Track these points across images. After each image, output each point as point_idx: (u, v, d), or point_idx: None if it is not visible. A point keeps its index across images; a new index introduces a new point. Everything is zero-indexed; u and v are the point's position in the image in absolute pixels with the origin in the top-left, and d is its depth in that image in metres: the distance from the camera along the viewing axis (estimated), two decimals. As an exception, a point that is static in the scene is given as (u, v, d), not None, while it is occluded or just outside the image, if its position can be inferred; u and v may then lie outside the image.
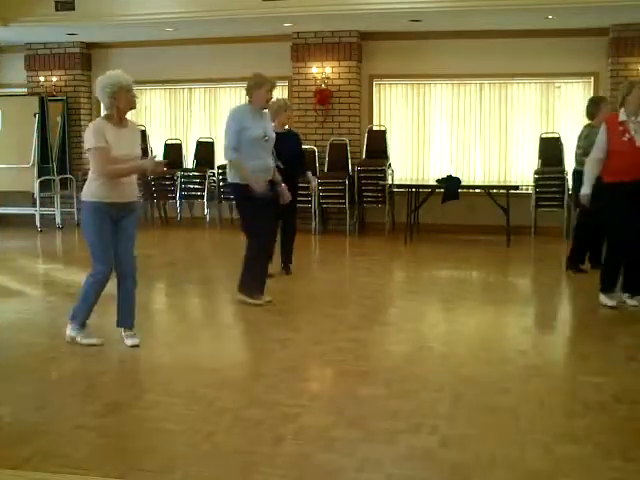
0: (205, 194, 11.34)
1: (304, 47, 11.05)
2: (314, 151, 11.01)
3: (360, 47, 11.07)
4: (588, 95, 10.61)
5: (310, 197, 10.67)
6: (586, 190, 6.20)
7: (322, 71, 11.00)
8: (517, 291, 7.54)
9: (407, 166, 11.42)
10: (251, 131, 6.11)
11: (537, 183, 10.32)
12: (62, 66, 12.04)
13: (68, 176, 11.76)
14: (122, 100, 4.85)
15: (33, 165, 11.29)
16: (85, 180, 5.13)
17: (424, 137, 11.37)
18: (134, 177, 5.09)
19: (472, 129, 11.19)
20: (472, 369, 4.64)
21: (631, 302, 6.23)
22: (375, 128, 11.25)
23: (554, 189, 10.30)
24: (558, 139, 10.60)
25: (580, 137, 7.59)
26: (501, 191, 9.86)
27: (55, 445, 3.43)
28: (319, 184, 10.66)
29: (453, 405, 4.01)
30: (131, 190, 5.03)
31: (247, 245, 6.28)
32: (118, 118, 4.90)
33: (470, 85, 11.13)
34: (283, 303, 6.76)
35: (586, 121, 7.74)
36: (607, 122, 6.17)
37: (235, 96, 11.85)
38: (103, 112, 4.98)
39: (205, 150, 11.67)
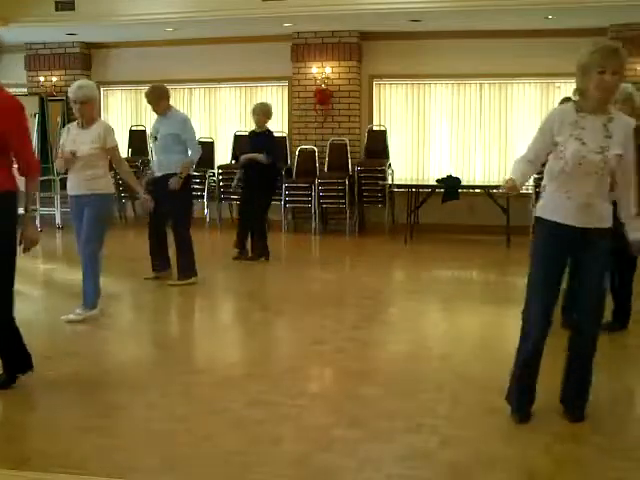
0: (205, 194, 11.33)
1: (304, 47, 11.05)
2: (314, 151, 11.01)
3: (360, 47, 11.06)
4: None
5: (310, 197, 10.71)
6: None
7: (322, 71, 10.99)
8: (517, 291, 7.50)
9: (407, 166, 11.41)
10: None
11: (537, 183, 10.30)
12: (62, 66, 12.04)
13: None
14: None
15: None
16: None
17: (424, 137, 11.36)
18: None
19: (472, 129, 11.18)
20: (472, 369, 4.64)
21: None
22: (375, 128, 11.25)
23: (554, 189, 10.28)
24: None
25: None
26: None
27: (55, 445, 3.43)
28: (319, 184, 10.67)
29: (453, 405, 4.01)
30: None
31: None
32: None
33: (470, 85, 11.12)
34: (283, 303, 6.76)
35: None
36: None
37: (235, 96, 11.85)
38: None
39: (205, 150, 11.60)
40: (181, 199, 7.10)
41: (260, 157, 8.30)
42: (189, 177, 7.32)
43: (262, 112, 8.44)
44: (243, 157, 8.56)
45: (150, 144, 7.41)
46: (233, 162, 11.30)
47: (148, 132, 9.98)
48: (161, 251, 7.36)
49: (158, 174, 7.19)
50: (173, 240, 7.22)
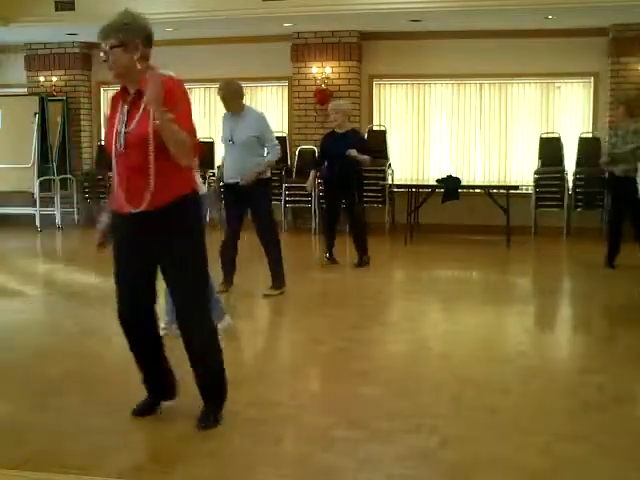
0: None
1: (304, 47, 11.05)
2: (314, 151, 11.01)
3: (360, 47, 11.07)
4: (588, 95, 10.64)
5: (310, 197, 10.72)
6: None
7: (322, 71, 11.00)
8: (517, 291, 7.54)
9: (407, 166, 11.42)
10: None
11: (537, 183, 10.32)
12: (62, 66, 12.03)
13: (68, 176, 11.75)
14: None
15: (33, 165, 11.29)
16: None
17: (424, 137, 11.37)
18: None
19: (472, 129, 11.18)
20: (472, 369, 4.64)
21: None
22: (375, 128, 11.25)
23: (554, 189, 10.30)
24: (558, 139, 10.60)
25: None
26: (501, 191, 9.86)
27: (55, 445, 3.43)
28: (319, 184, 10.67)
29: (453, 405, 4.01)
30: None
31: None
32: None
33: (470, 85, 11.13)
34: (283, 303, 6.76)
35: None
36: None
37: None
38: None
39: (205, 150, 11.64)
40: (265, 202, 6.72)
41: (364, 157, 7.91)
42: (269, 180, 6.76)
43: (341, 112, 8.01)
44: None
45: (225, 147, 6.64)
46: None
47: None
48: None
49: (236, 180, 6.52)
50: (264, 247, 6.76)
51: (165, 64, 10.60)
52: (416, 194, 10.15)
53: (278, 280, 6.74)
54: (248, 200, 6.57)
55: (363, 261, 8.15)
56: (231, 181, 6.56)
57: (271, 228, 6.78)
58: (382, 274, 8.21)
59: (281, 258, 6.79)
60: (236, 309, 6.55)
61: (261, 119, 6.61)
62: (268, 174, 6.68)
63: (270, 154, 6.63)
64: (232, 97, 6.49)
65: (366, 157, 7.91)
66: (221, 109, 6.83)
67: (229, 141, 6.50)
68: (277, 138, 10.92)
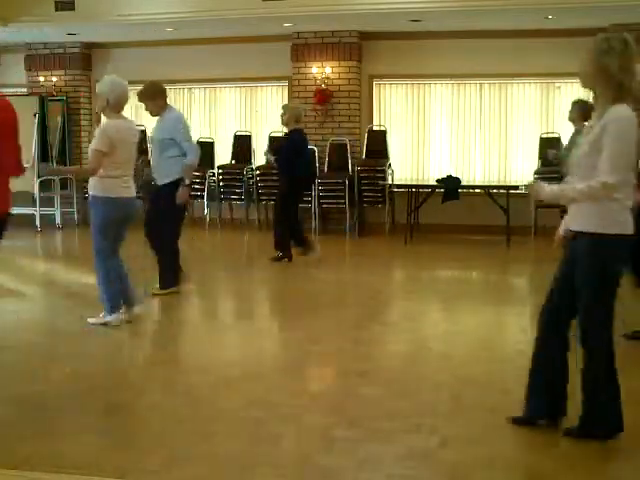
0: (205, 194, 11.33)
1: (304, 47, 11.05)
2: (314, 151, 11.01)
3: (360, 47, 11.07)
4: (588, 95, 10.62)
5: (310, 197, 10.71)
6: None
7: (322, 71, 10.99)
8: (517, 291, 7.54)
9: (407, 166, 11.41)
10: None
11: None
12: (62, 66, 12.03)
13: (68, 176, 11.74)
14: None
15: (33, 165, 11.27)
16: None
17: (424, 137, 11.36)
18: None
19: (472, 129, 11.18)
20: (472, 369, 4.64)
21: None
22: (375, 128, 11.25)
23: (554, 189, 10.29)
24: (558, 139, 10.59)
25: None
26: (501, 191, 9.86)
27: (55, 445, 3.43)
28: (319, 184, 10.68)
29: (453, 405, 4.01)
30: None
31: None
32: None
33: (470, 85, 11.12)
34: (283, 303, 6.77)
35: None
36: None
37: (235, 96, 11.84)
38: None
39: (205, 150, 11.60)
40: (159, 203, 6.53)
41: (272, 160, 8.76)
42: (176, 182, 6.45)
43: (288, 112, 8.45)
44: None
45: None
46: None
47: (148, 133, 9.91)
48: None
49: (157, 182, 6.57)
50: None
51: (165, 64, 10.67)
52: (416, 194, 10.16)
53: (164, 282, 6.54)
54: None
55: (278, 257, 8.31)
56: (152, 179, 6.79)
57: (159, 232, 6.48)
58: (382, 274, 8.22)
59: (172, 262, 6.55)
60: (235, 309, 6.57)
61: (176, 121, 6.58)
62: (187, 177, 6.50)
63: (188, 156, 6.46)
64: (144, 99, 6.65)
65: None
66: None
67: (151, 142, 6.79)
68: (275, 138, 10.94)
